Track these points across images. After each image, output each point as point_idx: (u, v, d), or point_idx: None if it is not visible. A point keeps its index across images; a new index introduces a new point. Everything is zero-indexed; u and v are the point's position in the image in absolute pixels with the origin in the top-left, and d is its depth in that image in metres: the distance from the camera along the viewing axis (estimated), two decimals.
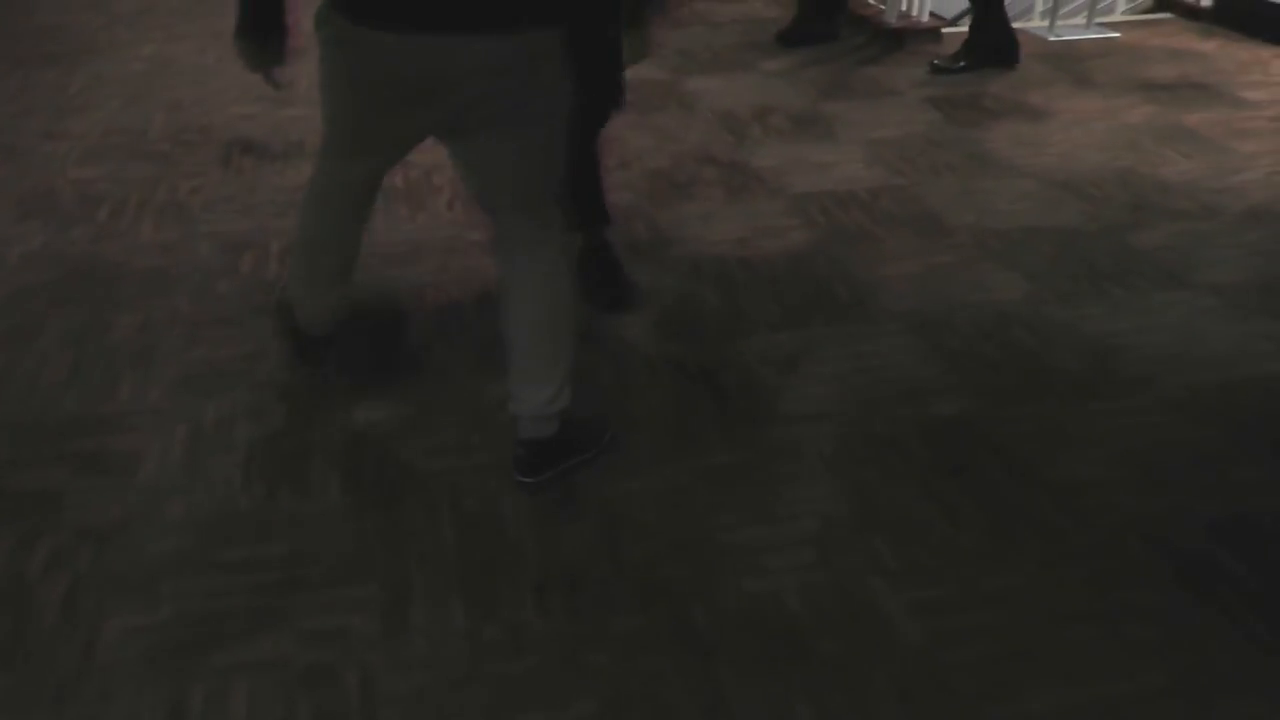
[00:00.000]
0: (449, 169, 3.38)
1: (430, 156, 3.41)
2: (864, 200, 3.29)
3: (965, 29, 4.69)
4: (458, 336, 2.54)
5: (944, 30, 4.80)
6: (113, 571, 1.83)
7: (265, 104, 3.91)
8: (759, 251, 2.97)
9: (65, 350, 2.46)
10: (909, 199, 3.30)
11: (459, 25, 1.66)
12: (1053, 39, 4.75)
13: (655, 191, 3.33)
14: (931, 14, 4.87)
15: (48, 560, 1.85)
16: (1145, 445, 2.17)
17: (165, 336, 2.52)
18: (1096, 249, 3.00)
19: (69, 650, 1.68)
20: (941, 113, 3.98)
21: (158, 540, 1.91)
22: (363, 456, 2.14)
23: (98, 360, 2.43)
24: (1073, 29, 4.88)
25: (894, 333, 2.59)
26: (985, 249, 3.00)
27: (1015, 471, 2.11)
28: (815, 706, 1.61)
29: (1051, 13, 4.88)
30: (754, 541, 1.93)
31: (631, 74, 4.30)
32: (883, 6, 4.88)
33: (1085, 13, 4.98)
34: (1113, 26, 4.96)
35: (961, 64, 4.34)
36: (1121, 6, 5.23)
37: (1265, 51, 4.64)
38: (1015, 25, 4.52)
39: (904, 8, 4.86)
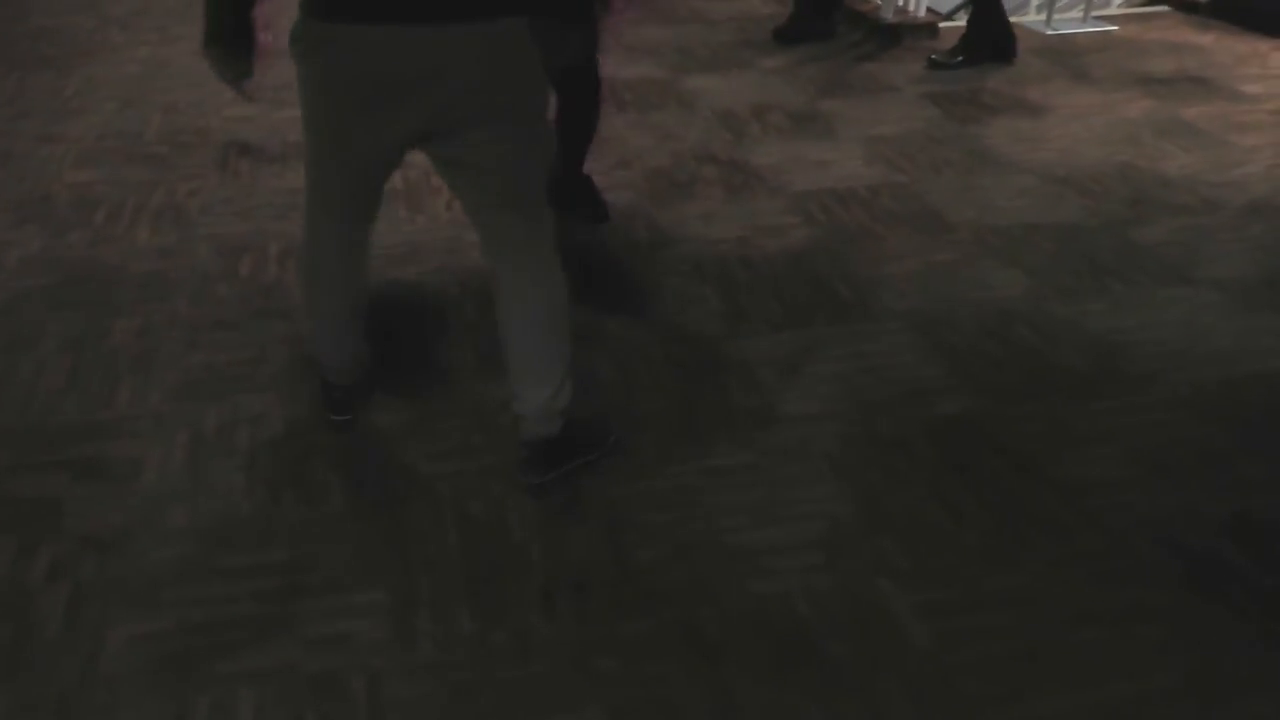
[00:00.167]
0: None
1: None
2: (864, 198, 3.28)
3: (962, 24, 4.68)
4: (459, 338, 2.53)
5: (941, 25, 4.79)
6: (115, 580, 1.82)
7: (262, 106, 3.89)
8: (760, 250, 2.96)
9: (64, 355, 2.45)
10: (909, 196, 3.29)
11: (435, 14, 1.67)
12: (1050, 33, 4.75)
13: (655, 191, 3.32)
14: (929, 9, 4.86)
15: (49, 569, 1.84)
16: (1151, 443, 2.17)
17: (164, 341, 2.51)
18: (1098, 245, 2.99)
19: (72, 660, 1.67)
20: (940, 109, 3.97)
21: (160, 547, 1.90)
22: (365, 461, 2.13)
23: (97, 365, 2.41)
24: (1070, 23, 4.87)
25: (896, 331, 2.58)
26: (986, 246, 2.99)
27: (1021, 471, 2.10)
28: (826, 710, 1.61)
29: (1048, 7, 4.87)
30: (761, 543, 1.92)
31: (630, 72, 4.33)
32: (879, 3, 4.87)
33: (1082, 6, 4.97)
34: (1110, 20, 4.96)
35: (959, 59, 4.33)
36: (1118, 0, 5.23)
37: (1263, 44, 4.64)
38: (1012, 19, 4.51)
39: (900, 3, 4.85)
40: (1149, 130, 3.75)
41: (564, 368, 1.99)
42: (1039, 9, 5.01)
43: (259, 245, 2.94)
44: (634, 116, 3.90)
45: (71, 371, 2.39)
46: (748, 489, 2.06)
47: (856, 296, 2.73)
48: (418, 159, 3.44)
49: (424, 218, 3.11)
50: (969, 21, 4.38)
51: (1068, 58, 4.50)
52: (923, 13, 4.83)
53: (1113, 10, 5.10)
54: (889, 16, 4.79)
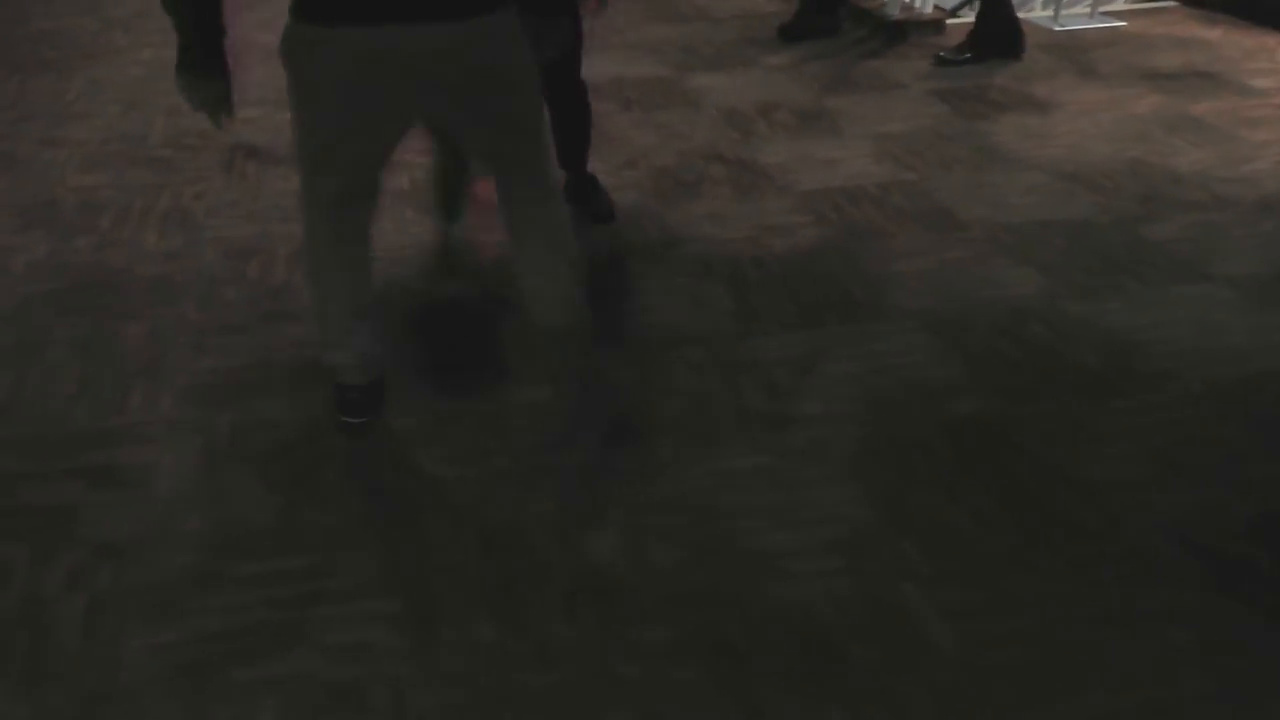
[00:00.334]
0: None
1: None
2: (874, 196, 3.27)
3: (966, 20, 4.67)
4: (469, 340, 2.52)
5: (947, 22, 4.78)
6: (132, 589, 1.81)
7: (265, 108, 3.87)
8: (770, 250, 2.95)
9: (74, 361, 2.43)
10: (919, 194, 3.28)
11: (429, 13, 1.77)
12: (1057, 29, 4.73)
13: (663, 190, 3.30)
14: (935, 6, 4.84)
15: (66, 578, 1.83)
16: (1170, 442, 2.15)
17: (174, 346, 2.49)
18: (1110, 242, 2.98)
19: (92, 671, 1.66)
20: (948, 106, 3.96)
21: (176, 556, 1.88)
22: (381, 466, 2.12)
23: (107, 371, 2.40)
24: (1077, 19, 4.85)
25: (910, 331, 2.57)
26: (998, 243, 2.98)
27: (1040, 471, 2.09)
28: (853, 715, 1.59)
29: (1056, 2, 4.85)
30: (782, 547, 1.91)
31: (634, 71, 4.31)
32: (885, 0, 4.86)
33: (1089, 2, 4.95)
34: (1117, 15, 4.94)
35: (967, 56, 4.32)
36: None
37: (1271, 38, 4.62)
38: (1019, 16, 4.50)
39: (906, 0, 4.83)
40: (1158, 126, 3.74)
41: (572, 267, 2.18)
42: (1045, 4, 5.00)
43: (266, 248, 2.93)
44: (639, 115, 3.88)
45: (82, 377, 2.37)
46: (766, 491, 2.05)
47: (869, 296, 2.72)
48: (423, 160, 3.43)
49: (431, 219, 3.09)
50: (978, 18, 4.36)
51: (1075, 53, 4.48)
52: (929, 9, 4.81)
53: (1119, 6, 5.09)
54: (895, 13, 4.77)
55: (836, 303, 2.69)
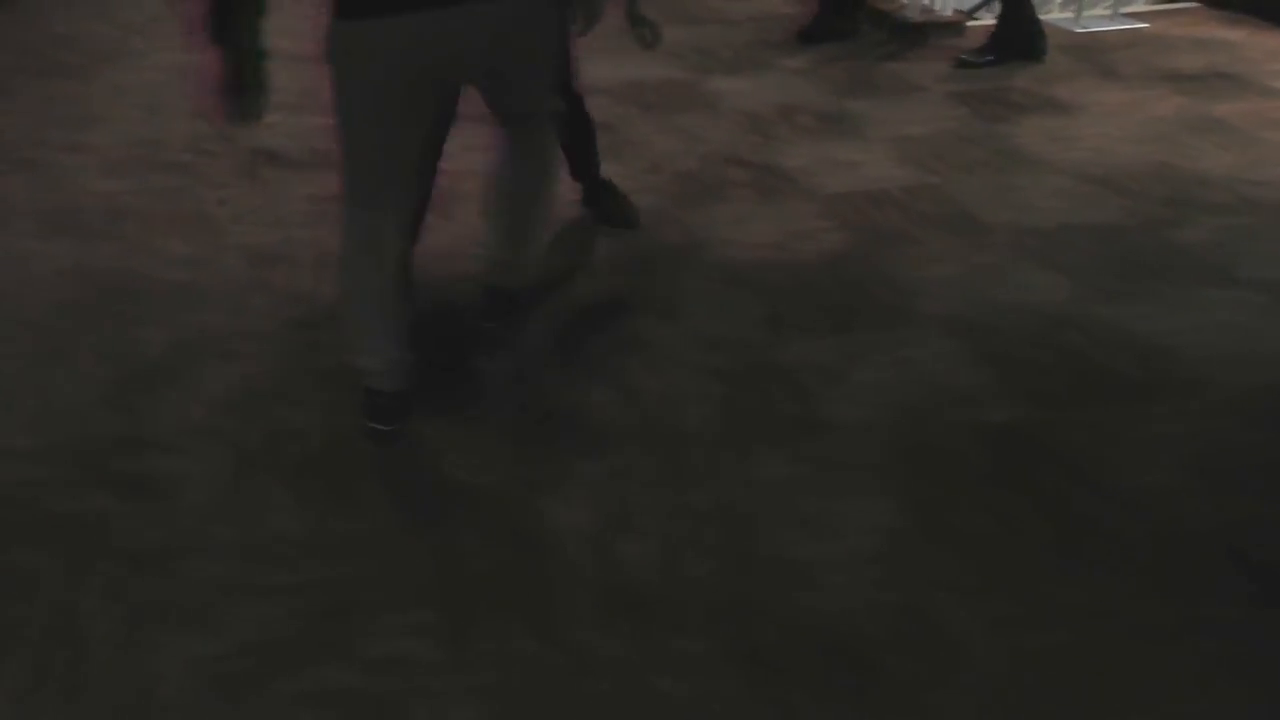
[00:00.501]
0: (478, 178, 3.35)
1: (457, 163, 3.38)
2: (898, 200, 3.25)
3: (982, 21, 4.65)
4: (496, 346, 2.51)
5: (967, 24, 4.75)
6: (168, 600, 1.80)
7: (284, 112, 3.85)
8: (796, 255, 2.93)
9: (102, 369, 2.43)
10: (943, 198, 3.26)
11: None
12: (1079, 30, 4.70)
13: (685, 195, 3.29)
14: (955, 10, 4.82)
15: (101, 589, 1.82)
16: (1209, 450, 2.13)
17: (201, 354, 2.49)
18: (1138, 246, 2.95)
19: (130, 684, 1.65)
20: (969, 108, 3.93)
21: (210, 566, 1.88)
22: (410, 474, 2.11)
23: (135, 379, 2.39)
24: (1098, 20, 4.82)
25: (939, 337, 2.55)
26: (1025, 248, 2.96)
27: (1076, 480, 2.07)
28: None
29: (1078, 3, 4.82)
30: (817, 558, 1.89)
31: (652, 74, 4.30)
32: (904, 1, 4.83)
33: (1110, 3, 4.92)
34: (1139, 16, 4.91)
35: (989, 58, 4.29)
36: None
37: None
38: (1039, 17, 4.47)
39: (926, 2, 4.81)
40: (1182, 128, 3.71)
41: (540, 239, 2.42)
42: (1062, 6, 4.96)
43: (291, 255, 2.92)
44: (659, 119, 3.87)
45: (110, 385, 2.37)
46: (800, 501, 2.03)
47: (897, 301, 2.70)
48: (447, 168, 3.41)
49: (455, 225, 3.08)
50: (999, 19, 4.34)
51: (1096, 55, 4.45)
52: (949, 11, 4.79)
53: (1140, 7, 5.05)
54: (914, 15, 4.75)
55: (865, 308, 2.67)
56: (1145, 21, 4.86)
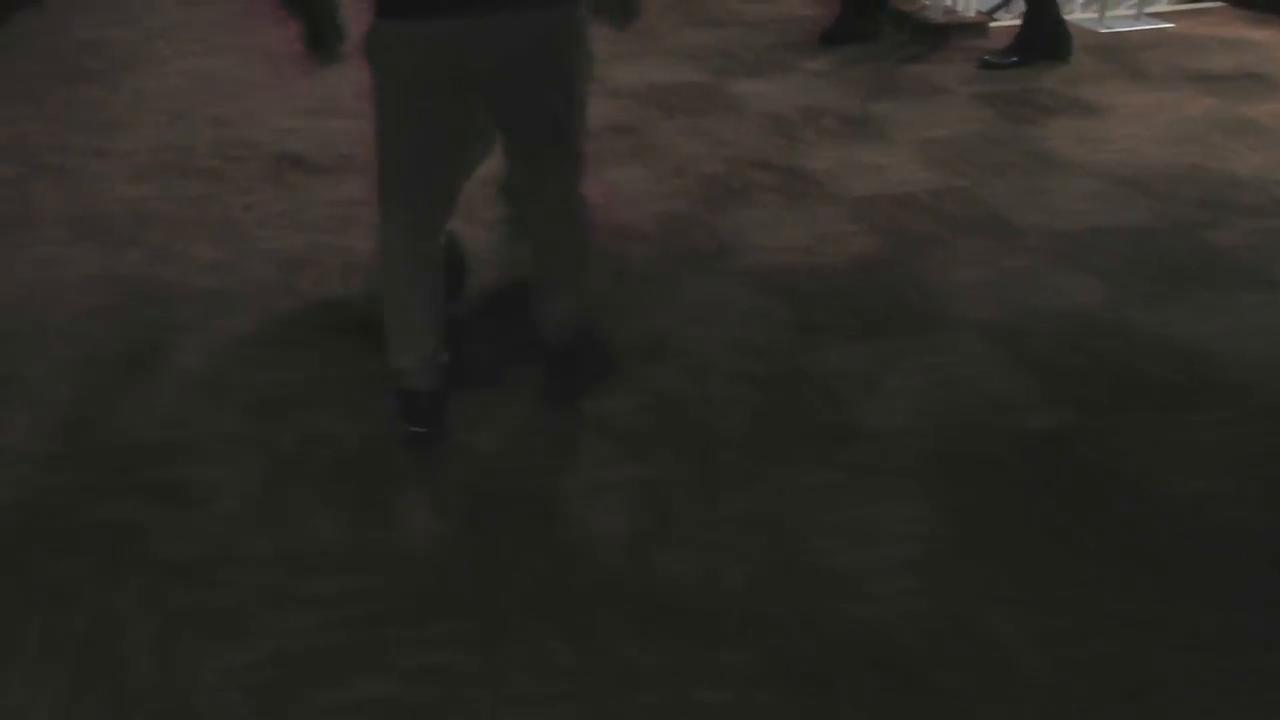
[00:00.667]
0: (495, 184, 3.34)
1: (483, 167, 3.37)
2: (926, 203, 3.22)
3: (1008, 22, 4.62)
4: (525, 353, 2.48)
5: (990, 25, 4.71)
6: (205, 609, 1.79)
7: (309, 117, 3.87)
8: (826, 259, 2.91)
9: (132, 376, 2.42)
10: (972, 201, 3.23)
11: (504, 4, 1.92)
12: (1103, 31, 4.66)
13: (712, 199, 3.27)
14: (977, 11, 4.78)
15: (137, 597, 1.81)
16: (1256, 456, 2.10)
17: (231, 360, 2.48)
18: (1173, 249, 2.92)
19: (169, 693, 1.64)
20: (995, 110, 3.90)
21: (246, 574, 1.87)
22: (445, 482, 2.09)
23: (166, 385, 2.39)
24: (1123, 20, 4.78)
25: (974, 342, 2.52)
26: (1057, 251, 2.92)
27: (1120, 488, 2.04)
28: None
29: (1102, 4, 4.78)
30: (858, 567, 1.87)
31: (674, 77, 4.28)
32: (926, 3, 4.80)
33: (1134, 3, 4.88)
34: (1164, 17, 4.86)
35: (1014, 59, 4.26)
36: None
37: None
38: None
39: (949, 3, 4.78)
40: (1213, 129, 3.67)
41: (583, 290, 2.29)
42: (1084, 6, 4.92)
43: (319, 259, 2.91)
44: (683, 122, 3.85)
45: (142, 392, 2.36)
46: (837, 509, 2.01)
47: (929, 306, 2.67)
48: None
49: (478, 230, 3.06)
50: (1024, 20, 4.31)
51: (1123, 55, 4.41)
52: (972, 12, 4.76)
53: (1165, 7, 5.00)
54: (937, 17, 4.72)
55: (897, 313, 2.64)
56: (1170, 21, 4.81)
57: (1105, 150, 3.54)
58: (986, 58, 4.31)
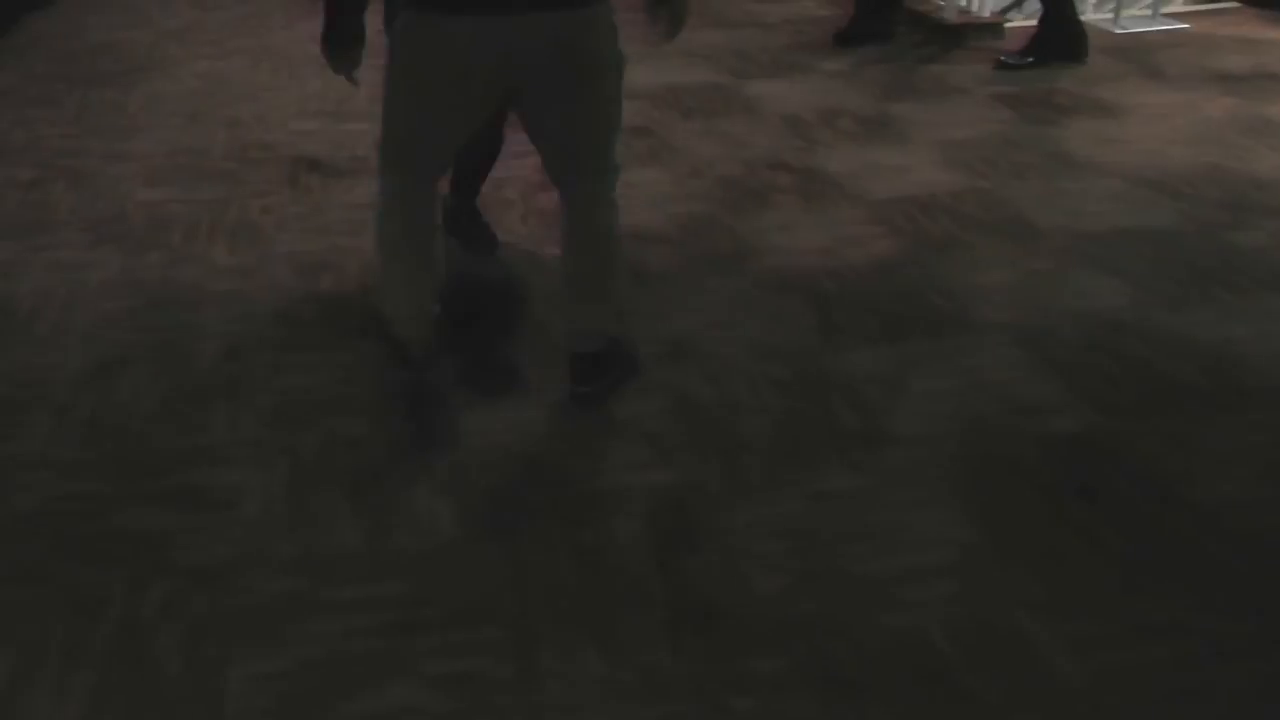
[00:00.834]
0: (519, 183, 3.33)
1: (499, 171, 3.35)
2: (947, 205, 3.20)
3: (1012, 21, 4.59)
4: (548, 356, 2.47)
5: (1006, 26, 4.69)
6: (230, 615, 1.78)
7: (324, 119, 3.86)
8: (847, 261, 2.89)
9: (153, 380, 2.41)
10: (994, 202, 3.21)
11: (536, 4, 1.93)
12: (1119, 32, 4.64)
13: (730, 201, 3.25)
14: (992, 11, 4.76)
15: (162, 604, 1.80)
16: None
17: (253, 364, 2.47)
18: (1197, 250, 2.89)
19: (196, 701, 1.62)
20: (1014, 111, 3.88)
21: (271, 581, 1.85)
22: (469, 487, 2.08)
23: (188, 390, 2.37)
24: (1138, 20, 4.75)
25: (999, 345, 2.50)
26: (1081, 253, 2.90)
27: (1153, 492, 2.01)
28: None
29: (1117, 4, 4.75)
30: (888, 573, 1.85)
31: (689, 78, 4.26)
32: (941, 4, 4.78)
33: (1150, 4, 4.85)
34: (1179, 17, 4.84)
35: (1030, 60, 4.24)
36: None
37: None
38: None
39: (963, 4, 4.75)
40: (1234, 129, 3.65)
41: (612, 296, 2.28)
42: (1096, 7, 4.89)
43: (337, 263, 2.90)
44: (700, 124, 3.84)
45: (162, 397, 2.35)
46: (865, 514, 1.99)
47: (953, 309, 2.65)
48: (488, 174, 3.39)
49: (500, 231, 3.05)
50: (1040, 21, 4.28)
51: (1139, 56, 4.39)
52: (987, 13, 4.73)
53: (1180, 7, 4.98)
54: (951, 17, 4.70)
55: (921, 316, 2.62)
56: (1185, 22, 4.79)
57: (1125, 151, 3.51)
58: (1002, 58, 4.29)
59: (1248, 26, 4.71)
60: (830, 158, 3.53)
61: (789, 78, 4.29)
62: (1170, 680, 1.63)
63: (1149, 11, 4.83)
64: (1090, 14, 4.88)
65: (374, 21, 2.20)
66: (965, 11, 4.75)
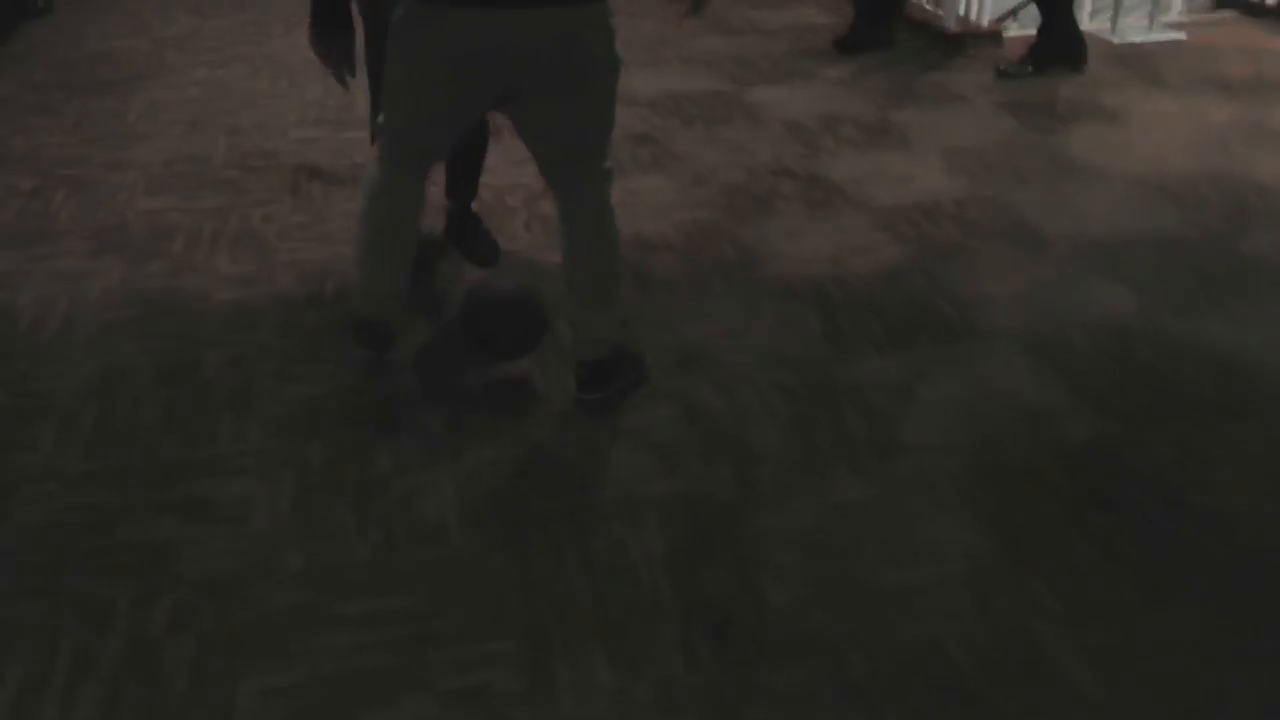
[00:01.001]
0: (522, 190, 3.32)
1: (502, 178, 3.35)
2: (951, 212, 3.20)
3: (1010, 29, 4.59)
4: (552, 365, 2.46)
5: (1005, 35, 4.69)
6: (238, 629, 1.76)
7: (325, 127, 3.84)
8: (852, 269, 2.88)
9: (158, 390, 2.39)
10: (998, 209, 3.20)
11: None
12: (1117, 41, 4.64)
13: (734, 208, 3.24)
14: (992, 19, 4.76)
15: (170, 618, 1.78)
16: None
17: (257, 373, 2.45)
18: (1204, 257, 2.89)
19: (205, 717, 1.60)
20: (1016, 118, 3.88)
21: (279, 593, 1.83)
22: (478, 498, 2.06)
23: (193, 400, 2.35)
24: (1136, 30, 4.76)
25: (1008, 352, 2.50)
26: (1086, 260, 2.90)
27: (1166, 501, 2.01)
28: None
29: (1115, 13, 4.76)
30: (902, 583, 1.84)
31: (691, 85, 4.26)
32: (940, 12, 4.78)
33: (1144, 12, 4.85)
34: (1177, 26, 4.84)
35: (1029, 68, 4.24)
36: (1178, 7, 5.10)
37: None
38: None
39: (962, 12, 4.76)
40: (1236, 136, 3.65)
41: (613, 302, 2.28)
42: (1094, 16, 4.89)
43: (340, 271, 2.88)
44: (702, 131, 3.83)
45: (167, 407, 2.33)
46: (878, 524, 1.98)
47: (961, 316, 2.65)
48: (490, 180, 3.38)
49: (502, 240, 3.04)
50: (1039, 29, 4.29)
51: (1139, 64, 4.39)
52: (986, 21, 4.74)
53: (1177, 17, 4.98)
54: (951, 25, 4.70)
55: (928, 324, 2.62)
56: (1183, 32, 4.80)
57: (1128, 157, 3.52)
58: (1002, 67, 4.29)
59: (1245, 36, 4.72)
60: (833, 164, 3.52)
61: (790, 84, 4.29)
62: (1187, 691, 1.62)
63: (1146, 21, 4.83)
64: (1088, 23, 4.89)
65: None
66: (964, 20, 4.75)
